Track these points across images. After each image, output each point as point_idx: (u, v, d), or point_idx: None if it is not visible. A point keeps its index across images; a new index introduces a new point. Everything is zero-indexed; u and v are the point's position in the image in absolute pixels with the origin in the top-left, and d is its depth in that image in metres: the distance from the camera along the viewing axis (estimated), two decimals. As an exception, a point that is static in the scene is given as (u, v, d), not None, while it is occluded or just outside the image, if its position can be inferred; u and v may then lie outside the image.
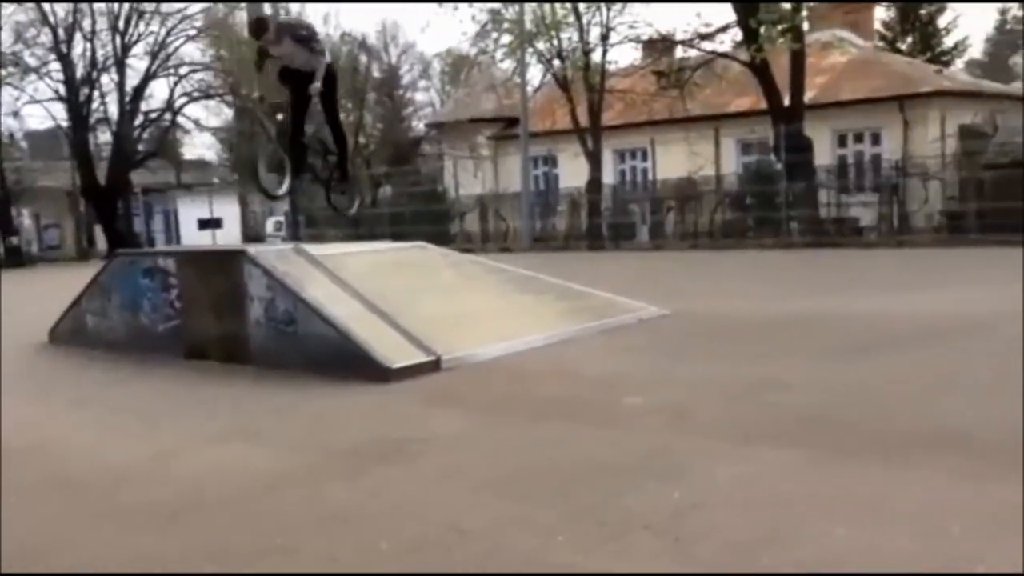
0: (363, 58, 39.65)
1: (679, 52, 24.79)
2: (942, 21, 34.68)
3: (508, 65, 27.20)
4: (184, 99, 34.36)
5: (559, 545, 3.34)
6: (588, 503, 3.80)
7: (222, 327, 7.58)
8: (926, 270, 13.49)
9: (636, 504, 3.73)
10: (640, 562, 3.16)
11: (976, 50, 43.04)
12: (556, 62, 25.25)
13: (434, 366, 6.58)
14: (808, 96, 21.81)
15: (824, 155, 22.47)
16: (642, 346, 7.57)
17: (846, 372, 6.12)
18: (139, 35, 33.14)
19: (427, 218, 23.83)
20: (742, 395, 5.65)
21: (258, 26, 8.37)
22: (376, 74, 40.30)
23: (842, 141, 23.89)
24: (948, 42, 35.07)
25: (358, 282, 7.59)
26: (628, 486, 3.96)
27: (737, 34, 21.70)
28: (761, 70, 20.49)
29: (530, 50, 25.07)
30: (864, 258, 16.21)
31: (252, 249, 7.94)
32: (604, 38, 24.29)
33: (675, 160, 24.90)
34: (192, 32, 33.84)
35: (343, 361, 6.57)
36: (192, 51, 35.74)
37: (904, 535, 3.27)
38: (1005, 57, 40.23)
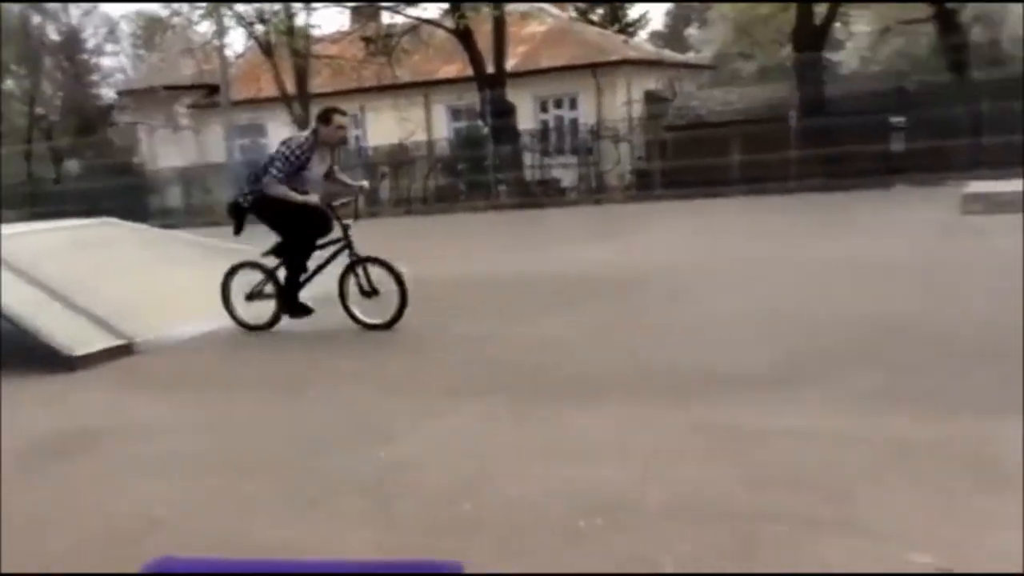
0: (36, 18, 35.46)
1: (386, 18, 24.71)
2: (628, -5, 37.41)
3: (206, 28, 25.61)
4: None
5: (262, 519, 3.23)
6: (294, 473, 3.71)
7: None
8: (617, 224, 14.60)
9: (343, 468, 3.70)
10: (346, 524, 3.14)
11: (658, 22, 47.10)
12: (258, 26, 24.15)
13: (126, 350, 6.09)
14: (511, 64, 22.64)
15: (527, 120, 23.50)
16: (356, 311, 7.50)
17: (545, 323, 6.46)
18: None
19: (122, 193, 21.95)
20: (450, 352, 5.79)
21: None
22: (54, 36, 36.24)
23: (543, 107, 25.10)
24: (633, 14, 37.99)
25: (33, 265, 6.82)
26: (336, 452, 3.92)
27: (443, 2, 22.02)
28: (465, 37, 20.95)
29: (228, 12, 23.75)
30: (565, 216, 17.25)
31: None
32: (307, 1, 23.59)
33: (387, 127, 24.84)
34: None
35: (18, 352, 5.89)
36: None
37: (597, 465, 3.52)
38: (682, 29, 44.33)
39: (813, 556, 2.59)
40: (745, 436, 3.72)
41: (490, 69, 21.56)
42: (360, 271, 6.37)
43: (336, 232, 6.41)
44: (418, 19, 23.12)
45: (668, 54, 30.08)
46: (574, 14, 33.06)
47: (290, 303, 6.58)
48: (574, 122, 24.40)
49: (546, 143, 24.05)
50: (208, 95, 28.36)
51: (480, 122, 22.36)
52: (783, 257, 8.84)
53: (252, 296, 6.70)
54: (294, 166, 6.23)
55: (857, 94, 18.87)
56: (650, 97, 23.17)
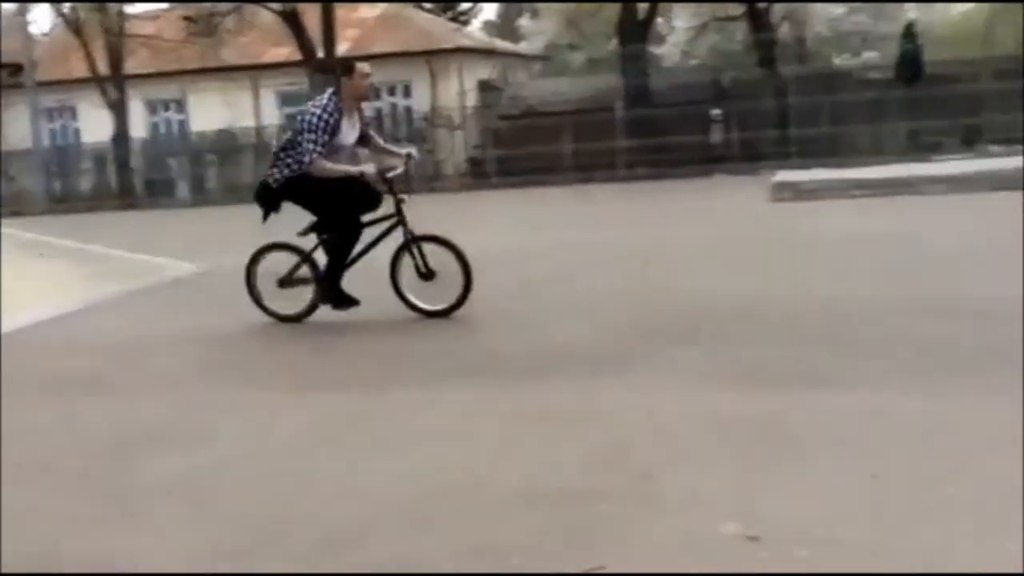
0: None
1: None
2: (460, -17, 37.47)
3: (9, 6, 23.60)
4: None
5: (71, 527, 3.02)
6: (108, 479, 3.49)
7: None
8: (452, 212, 14.61)
9: (160, 472, 3.52)
10: (160, 529, 2.99)
11: (490, 12, 47.42)
12: (66, 3, 22.51)
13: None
14: (343, 49, 22.15)
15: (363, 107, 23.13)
16: (175, 306, 7.17)
17: (383, 310, 6.38)
18: None
19: (-90, 182, 19.95)
20: (282, 343, 5.63)
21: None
22: None
23: (377, 93, 24.77)
24: (465, 3, 38.10)
25: None
26: (153, 455, 3.71)
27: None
28: (292, 19, 20.36)
29: (31, -15, 21.99)
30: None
31: None
32: (120, -21, 22.19)
33: (214, 111, 23.78)
34: None
35: None
36: None
37: (424, 450, 3.52)
38: (514, 19, 44.93)
39: (631, 533, 2.69)
40: (572, 417, 3.83)
41: (321, 53, 21.06)
42: (416, 251, 5.75)
43: (385, 207, 5.72)
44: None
45: (501, 44, 30.39)
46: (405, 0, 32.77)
47: (332, 292, 5.79)
48: (409, 109, 24.24)
49: (381, 130, 23.77)
50: (12, 75, 26.15)
51: (311, 108, 21.80)
52: (610, 242, 9.13)
53: (285, 282, 5.92)
54: (327, 134, 5.43)
55: (678, 87, 19.76)
56: (483, 86, 23.33)
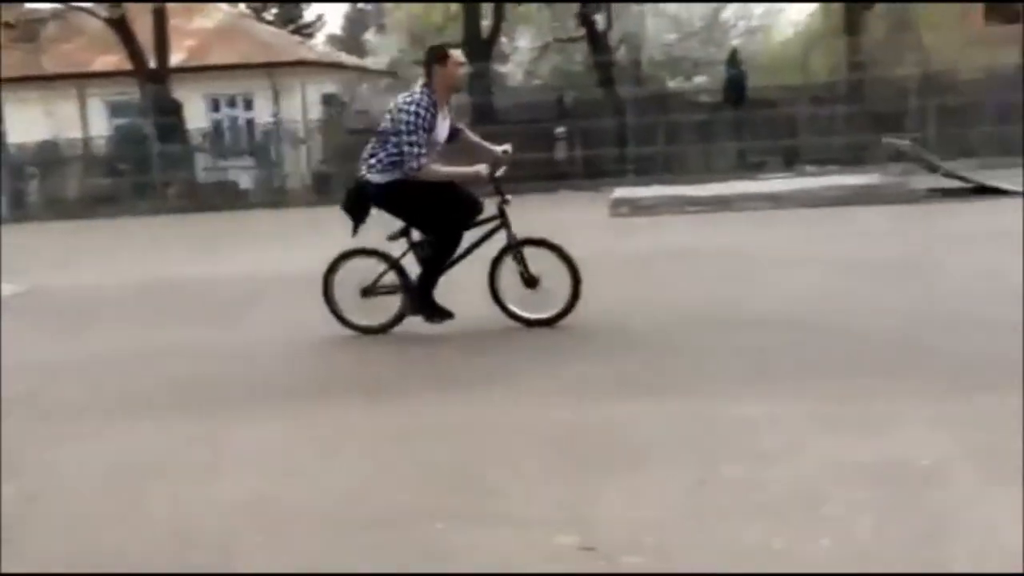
0: None
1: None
2: (303, -3, 36.85)
3: None
4: None
5: None
6: None
7: None
8: (292, 228, 14.31)
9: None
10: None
11: (335, 26, 46.84)
12: None
13: None
14: (178, 59, 21.31)
15: (199, 119, 22.26)
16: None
17: (210, 335, 6.14)
18: None
19: None
20: (106, 370, 5.31)
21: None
22: None
23: (216, 105, 23.93)
24: (309, 16, 37.48)
25: None
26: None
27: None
28: (121, 27, 19.39)
29: None
30: (241, 220, 16.54)
31: None
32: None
33: (35, 122, 22.26)
34: None
35: None
36: None
37: (258, 476, 3.39)
38: (360, 33, 44.53)
39: (468, 549, 2.69)
40: (409, 435, 3.80)
41: (153, 63, 20.15)
42: (519, 256, 5.40)
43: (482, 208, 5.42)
44: (66, 4, 21.01)
45: (347, 58, 30.05)
46: (246, 11, 31.94)
47: (424, 303, 5.37)
48: (250, 122, 23.57)
49: (220, 144, 22.98)
50: None
51: (141, 119, 20.81)
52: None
53: (369, 291, 5.50)
54: (427, 132, 5.04)
55: (523, 105, 20.15)
56: (328, 100, 22.98)
